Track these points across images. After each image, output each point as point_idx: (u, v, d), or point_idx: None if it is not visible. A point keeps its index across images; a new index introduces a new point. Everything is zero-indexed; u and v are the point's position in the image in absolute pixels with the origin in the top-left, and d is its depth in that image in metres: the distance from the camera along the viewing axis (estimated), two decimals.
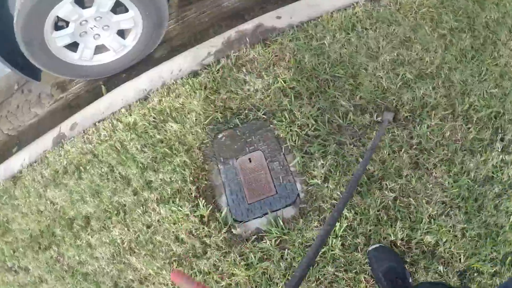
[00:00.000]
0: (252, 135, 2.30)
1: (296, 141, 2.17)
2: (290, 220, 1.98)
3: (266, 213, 2.03)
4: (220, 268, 1.92)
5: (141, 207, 2.24)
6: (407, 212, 1.85)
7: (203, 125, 2.39)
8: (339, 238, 1.84)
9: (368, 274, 1.75)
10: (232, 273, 1.89)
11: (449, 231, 1.76)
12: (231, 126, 2.37)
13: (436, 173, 1.91)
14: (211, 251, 1.97)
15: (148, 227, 2.17)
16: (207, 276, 1.93)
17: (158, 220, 2.16)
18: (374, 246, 1.77)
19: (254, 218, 2.04)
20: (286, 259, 1.85)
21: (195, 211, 2.09)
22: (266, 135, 2.27)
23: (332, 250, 1.82)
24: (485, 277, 1.67)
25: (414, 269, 1.72)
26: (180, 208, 2.12)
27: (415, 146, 1.99)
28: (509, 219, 1.76)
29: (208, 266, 1.94)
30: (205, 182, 2.22)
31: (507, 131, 1.96)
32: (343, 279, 1.76)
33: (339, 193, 1.95)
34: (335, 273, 1.78)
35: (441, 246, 1.74)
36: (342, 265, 1.79)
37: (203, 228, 2.04)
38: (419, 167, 1.94)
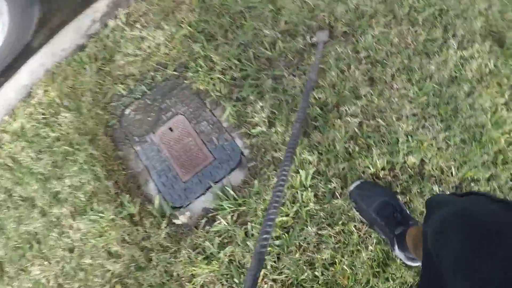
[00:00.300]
0: (165, 99, 2.03)
1: (221, 89, 1.94)
2: (241, 186, 1.76)
3: (210, 187, 1.80)
4: (174, 274, 1.65)
5: (55, 229, 1.89)
6: (379, 136, 1.67)
7: (104, 104, 2.08)
8: (309, 189, 1.61)
9: (358, 221, 1.56)
10: (192, 274, 1.63)
11: (431, 144, 1.63)
12: (138, 96, 2.08)
13: (397, 84, 1.76)
14: (156, 255, 1.69)
15: (71, 251, 1.85)
16: None
17: (80, 239, 1.84)
18: (355, 184, 1.56)
19: (196, 198, 1.80)
20: (252, 234, 1.62)
21: (121, 212, 1.80)
22: (183, 94, 2.02)
23: (305, 207, 1.60)
24: (482, 184, 1.59)
25: (407, 198, 1.56)
26: (101, 214, 1.81)
27: (364, 60, 1.83)
28: (488, 115, 1.67)
29: (159, 276, 1.66)
30: (123, 172, 1.92)
31: (457, 26, 1.87)
32: (330, 236, 1.56)
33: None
34: (318, 232, 1.57)
35: (428, 164, 1.61)
36: (324, 220, 1.58)
37: (138, 230, 1.75)
38: (376, 82, 1.78)
